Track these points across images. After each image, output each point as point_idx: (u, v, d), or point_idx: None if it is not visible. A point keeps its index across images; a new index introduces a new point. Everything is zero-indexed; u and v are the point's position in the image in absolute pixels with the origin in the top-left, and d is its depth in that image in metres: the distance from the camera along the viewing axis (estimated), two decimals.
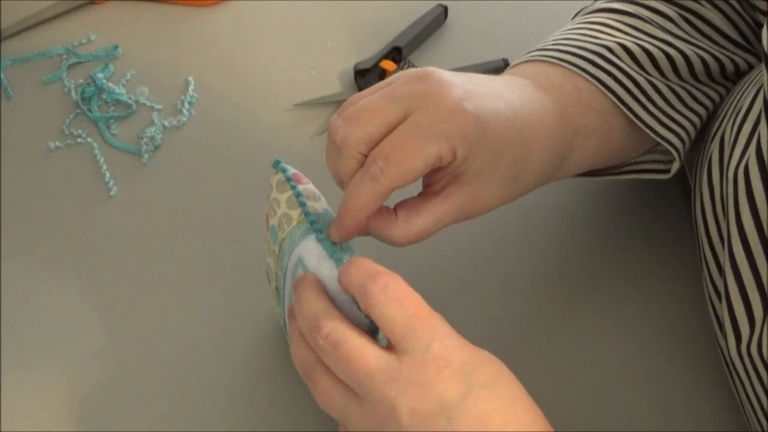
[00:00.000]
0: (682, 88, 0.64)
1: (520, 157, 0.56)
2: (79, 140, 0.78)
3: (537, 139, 0.57)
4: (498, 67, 0.83)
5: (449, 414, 0.47)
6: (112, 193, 0.74)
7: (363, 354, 0.48)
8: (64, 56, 0.85)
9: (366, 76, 0.82)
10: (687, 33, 0.66)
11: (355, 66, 0.83)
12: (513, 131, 0.55)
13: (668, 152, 0.65)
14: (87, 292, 0.68)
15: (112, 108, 0.81)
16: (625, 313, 0.67)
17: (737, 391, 0.57)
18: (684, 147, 0.63)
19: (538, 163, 0.57)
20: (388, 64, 0.83)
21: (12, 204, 0.74)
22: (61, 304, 0.67)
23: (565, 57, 0.62)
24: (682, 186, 0.72)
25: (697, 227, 0.61)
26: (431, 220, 0.55)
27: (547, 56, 0.62)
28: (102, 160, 0.77)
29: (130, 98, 0.81)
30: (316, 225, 0.54)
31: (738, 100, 0.60)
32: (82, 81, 0.83)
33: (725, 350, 0.56)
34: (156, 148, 0.78)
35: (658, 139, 0.62)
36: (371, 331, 0.51)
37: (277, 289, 0.59)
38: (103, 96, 0.82)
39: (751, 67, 0.67)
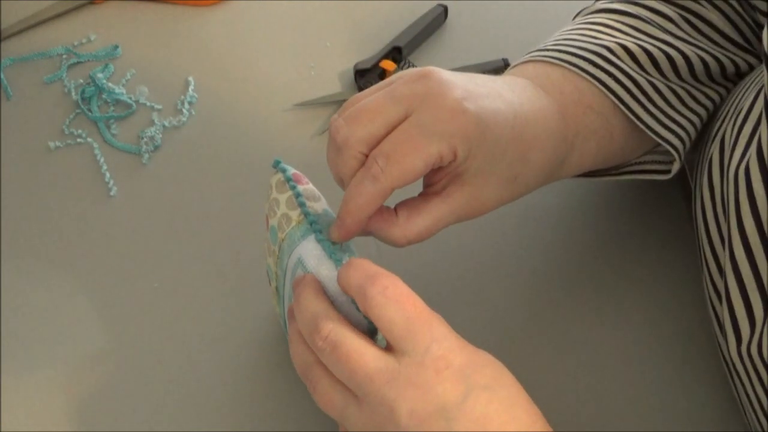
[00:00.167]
0: (682, 88, 0.64)
1: (520, 158, 0.56)
2: (79, 140, 0.78)
3: (537, 139, 0.57)
4: (498, 67, 0.83)
5: (448, 415, 0.47)
6: (112, 193, 0.74)
7: (362, 355, 0.48)
8: (64, 56, 0.85)
9: (366, 76, 0.82)
10: (687, 33, 0.66)
11: (355, 66, 0.83)
12: (513, 131, 0.55)
13: (668, 153, 0.65)
14: (87, 293, 0.68)
15: (112, 108, 0.81)
16: (625, 313, 0.66)
17: (737, 391, 0.57)
18: (684, 147, 0.63)
19: (539, 164, 0.57)
20: (388, 64, 0.83)
21: (12, 204, 0.74)
22: (61, 304, 0.67)
23: (566, 57, 0.62)
24: (683, 187, 0.72)
25: (697, 228, 0.61)
26: (431, 220, 0.55)
27: (547, 56, 0.62)
28: (102, 160, 0.77)
29: (130, 98, 0.81)
30: (315, 225, 0.54)
31: (738, 101, 0.60)
32: (82, 81, 0.83)
33: (725, 351, 0.56)
34: (156, 148, 0.78)
35: (658, 140, 0.62)
36: (370, 331, 0.51)
37: (277, 289, 0.59)
38: (103, 96, 0.82)
39: (751, 68, 0.66)
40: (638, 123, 0.62)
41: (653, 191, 0.73)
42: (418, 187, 0.56)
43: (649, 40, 0.64)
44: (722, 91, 0.66)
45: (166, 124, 0.79)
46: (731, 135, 0.57)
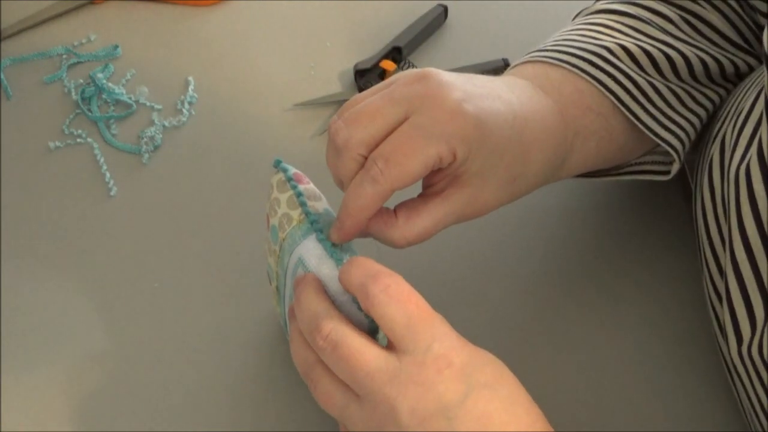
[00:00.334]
0: (682, 89, 0.64)
1: (520, 159, 0.56)
2: (79, 140, 0.78)
3: (537, 140, 0.57)
4: (498, 67, 0.83)
5: (449, 414, 0.47)
6: (112, 193, 0.74)
7: (363, 354, 0.48)
8: (64, 56, 0.85)
9: (366, 76, 0.82)
10: (687, 34, 0.66)
11: (355, 66, 0.83)
12: (513, 132, 0.55)
13: (668, 153, 0.65)
14: (87, 292, 0.68)
15: (112, 108, 0.81)
16: (625, 314, 0.67)
17: (737, 392, 0.57)
18: (684, 148, 0.63)
19: (538, 165, 0.57)
20: (388, 64, 0.83)
21: (12, 204, 0.74)
22: (61, 304, 0.67)
23: (565, 58, 0.62)
24: (683, 188, 0.72)
25: (697, 229, 0.61)
26: (431, 221, 0.55)
27: (547, 57, 0.62)
28: (102, 160, 0.77)
29: (130, 98, 0.81)
30: (316, 225, 0.54)
31: (739, 102, 0.60)
32: (82, 81, 0.83)
33: (726, 352, 0.56)
34: (156, 148, 0.78)
35: (658, 140, 0.62)
36: (371, 331, 0.51)
37: (277, 288, 0.59)
38: (103, 96, 0.82)
39: (751, 69, 0.67)
40: (638, 124, 0.62)
41: (653, 192, 0.73)
42: (417, 188, 0.56)
43: (649, 40, 0.64)
44: (722, 92, 0.66)
45: (166, 124, 0.79)
46: (732, 136, 0.57)
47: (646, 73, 0.63)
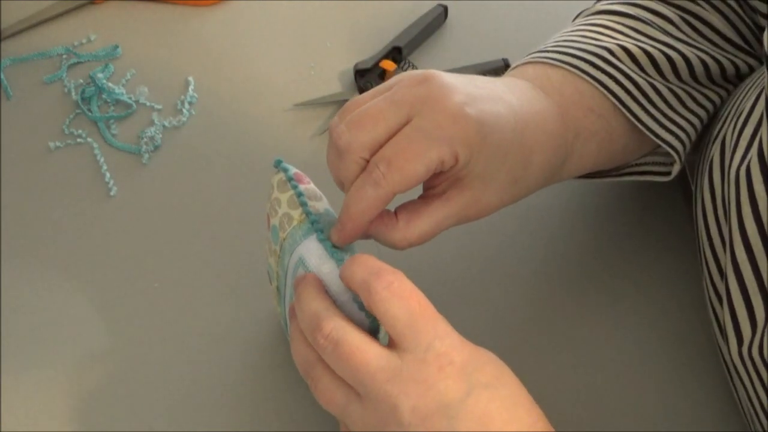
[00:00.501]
0: (683, 90, 0.64)
1: (521, 161, 0.56)
2: (79, 140, 0.78)
3: (538, 142, 0.57)
4: (498, 68, 0.83)
5: (450, 413, 0.47)
6: (112, 193, 0.74)
7: (364, 352, 0.48)
8: (64, 56, 0.85)
9: (366, 76, 0.82)
10: (687, 35, 0.66)
11: (355, 66, 0.83)
12: (514, 135, 0.55)
13: (669, 154, 0.66)
14: (87, 292, 0.68)
15: (112, 108, 0.81)
16: (625, 314, 0.67)
17: (737, 392, 0.57)
18: (684, 149, 0.63)
19: (539, 166, 0.57)
20: (388, 64, 0.83)
21: (12, 204, 0.74)
22: (61, 304, 0.67)
23: (566, 59, 0.62)
24: (683, 188, 0.73)
25: (697, 229, 0.61)
26: (432, 223, 0.55)
27: (547, 58, 0.62)
28: (102, 160, 0.77)
29: (130, 98, 0.81)
30: (317, 225, 0.54)
31: (739, 104, 0.60)
32: (82, 81, 0.83)
33: (726, 352, 0.56)
34: (156, 148, 0.78)
35: (658, 141, 0.62)
36: (372, 331, 0.51)
37: (278, 288, 0.59)
38: (103, 96, 0.82)
39: (751, 70, 0.67)
40: (638, 125, 0.62)
41: (653, 193, 0.73)
42: (418, 190, 0.56)
43: (649, 41, 0.64)
44: (722, 92, 0.66)
45: (166, 124, 0.79)
46: (732, 137, 0.57)
47: (646, 74, 0.63)
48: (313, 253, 0.53)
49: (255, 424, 0.61)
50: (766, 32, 0.50)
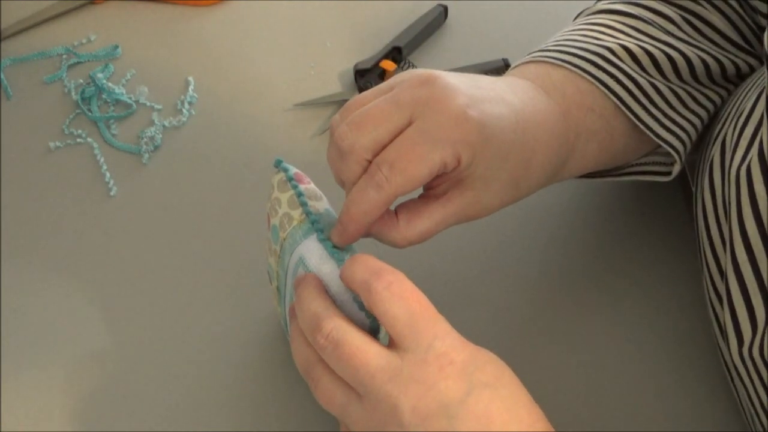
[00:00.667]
0: (683, 89, 0.64)
1: (523, 161, 0.56)
2: (79, 140, 0.78)
3: (539, 142, 0.57)
4: (498, 68, 0.83)
5: (450, 413, 0.47)
6: (112, 193, 0.74)
7: (364, 352, 0.48)
8: (64, 56, 0.85)
9: (366, 76, 0.82)
10: (688, 35, 0.66)
11: (355, 66, 0.83)
12: (516, 136, 0.55)
13: (669, 154, 0.65)
14: (87, 292, 0.68)
15: (112, 108, 0.81)
16: (625, 314, 0.67)
17: (737, 392, 0.57)
18: (685, 149, 0.63)
19: (540, 166, 0.57)
20: (388, 64, 0.83)
21: (12, 204, 0.74)
22: (61, 304, 0.67)
23: (567, 58, 0.62)
24: (684, 188, 0.73)
25: (698, 229, 0.61)
26: (432, 223, 0.55)
27: (548, 57, 0.62)
28: (102, 160, 0.77)
29: (130, 98, 0.81)
30: (317, 225, 0.54)
31: (739, 104, 0.60)
32: (82, 81, 0.83)
33: (726, 352, 0.56)
34: (156, 148, 0.78)
35: (659, 141, 0.62)
36: (372, 331, 0.51)
37: (278, 288, 0.59)
38: (103, 96, 0.82)
39: (752, 69, 0.67)
40: (639, 124, 0.62)
41: (654, 192, 0.73)
42: (418, 189, 0.56)
43: (650, 41, 0.64)
44: (723, 92, 0.66)
45: (166, 124, 0.79)
46: (732, 136, 0.57)
47: (647, 73, 0.63)
48: (313, 253, 0.53)
49: (255, 424, 0.61)
50: (766, 32, 0.50)
